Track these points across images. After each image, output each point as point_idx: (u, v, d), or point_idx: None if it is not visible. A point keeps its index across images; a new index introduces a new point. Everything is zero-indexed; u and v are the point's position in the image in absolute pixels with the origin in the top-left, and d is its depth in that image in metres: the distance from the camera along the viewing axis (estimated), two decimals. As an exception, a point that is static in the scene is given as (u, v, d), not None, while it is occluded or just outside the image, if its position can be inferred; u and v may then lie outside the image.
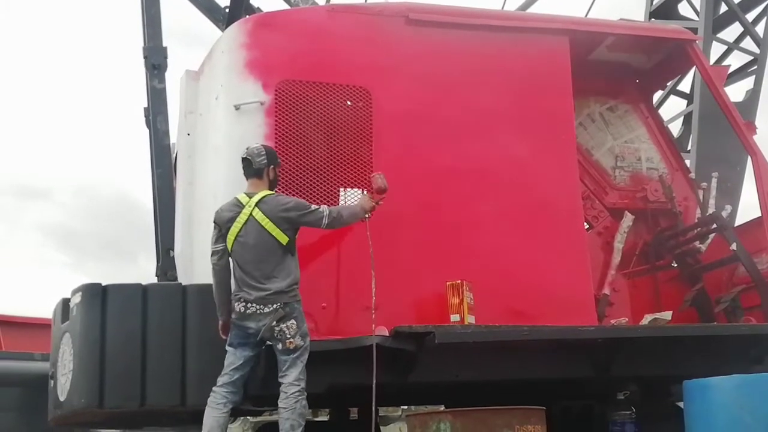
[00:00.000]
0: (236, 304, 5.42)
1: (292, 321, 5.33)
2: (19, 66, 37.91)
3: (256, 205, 5.45)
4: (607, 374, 6.50)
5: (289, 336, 5.30)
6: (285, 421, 5.24)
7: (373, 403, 5.40)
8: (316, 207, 5.55)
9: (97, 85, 40.95)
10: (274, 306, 5.31)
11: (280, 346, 5.33)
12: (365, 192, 5.96)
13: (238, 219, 5.45)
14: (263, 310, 5.32)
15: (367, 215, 5.77)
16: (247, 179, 5.63)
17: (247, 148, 5.64)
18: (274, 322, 5.30)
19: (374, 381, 5.34)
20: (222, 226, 5.52)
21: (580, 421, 7.17)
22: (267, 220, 5.40)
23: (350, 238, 5.95)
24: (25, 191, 39.99)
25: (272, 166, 5.64)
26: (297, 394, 5.25)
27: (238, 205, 5.50)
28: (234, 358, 5.45)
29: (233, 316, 5.45)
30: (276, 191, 5.68)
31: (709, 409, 5.56)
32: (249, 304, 5.35)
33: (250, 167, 5.59)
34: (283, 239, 5.41)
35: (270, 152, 5.66)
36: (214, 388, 5.42)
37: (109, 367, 5.73)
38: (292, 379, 5.27)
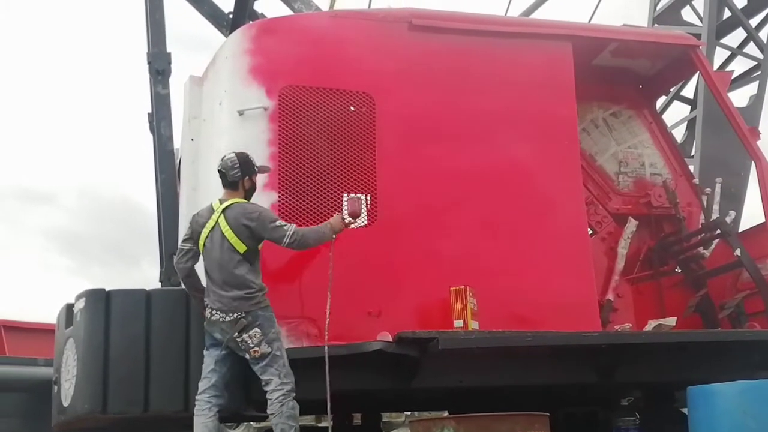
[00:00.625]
0: (205, 309, 5.48)
1: (255, 330, 5.32)
2: (23, 69, 37.97)
3: (223, 212, 5.48)
4: (611, 380, 6.49)
5: (252, 345, 5.30)
6: (276, 426, 5.26)
7: (329, 412, 5.35)
8: (282, 224, 5.48)
9: (101, 89, 41.01)
10: (235, 315, 5.32)
11: (247, 356, 5.35)
12: (338, 213, 5.83)
13: (206, 225, 5.51)
14: (225, 318, 5.34)
15: (334, 236, 5.66)
16: (223, 188, 5.65)
17: (222, 159, 5.63)
18: (236, 334, 5.31)
19: (328, 392, 5.28)
20: (194, 230, 5.58)
21: (584, 427, 7.14)
22: (228, 227, 5.42)
23: (353, 244, 5.95)
24: (29, 195, 40.00)
25: (247, 177, 5.64)
26: (282, 398, 5.25)
27: (211, 211, 5.55)
28: (209, 360, 5.48)
29: (204, 322, 5.49)
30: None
31: (713, 415, 5.55)
32: (213, 311, 5.40)
33: (225, 179, 5.61)
34: (241, 248, 5.40)
35: (245, 163, 5.60)
36: (196, 396, 5.43)
37: (112, 372, 5.74)
38: (274, 386, 5.28)
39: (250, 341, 5.29)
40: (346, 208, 5.95)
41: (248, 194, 5.66)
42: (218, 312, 5.37)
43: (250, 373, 5.52)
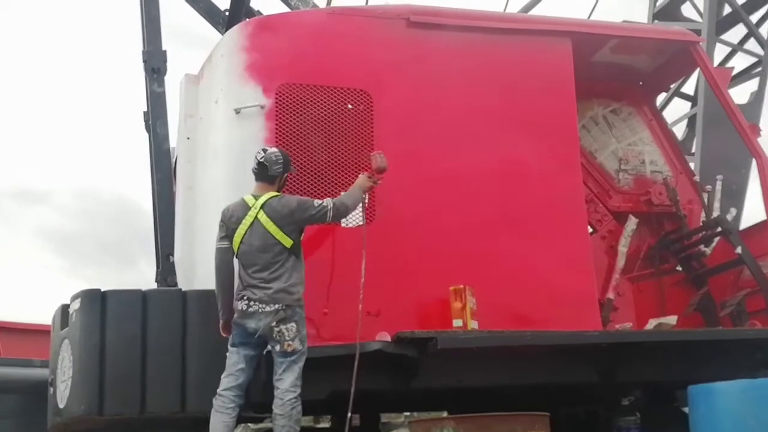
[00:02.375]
0: (239, 302, 5.41)
1: (292, 324, 5.30)
2: (18, 68, 37.86)
3: (261, 207, 5.44)
4: (611, 379, 6.46)
5: (288, 338, 5.28)
6: (281, 428, 5.22)
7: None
8: (320, 202, 5.52)
9: (96, 88, 40.83)
10: (276, 306, 5.28)
11: (278, 347, 5.30)
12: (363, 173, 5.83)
13: (243, 221, 5.45)
14: (265, 308, 5.30)
15: (365, 196, 5.76)
16: (256, 181, 5.60)
17: (265, 152, 5.58)
18: (274, 323, 5.28)
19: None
20: (228, 227, 5.52)
21: (584, 427, 7.11)
22: (271, 223, 5.39)
23: (351, 243, 5.90)
24: (25, 195, 39.87)
25: (286, 174, 5.66)
26: (293, 400, 5.23)
27: (245, 207, 5.49)
28: (237, 357, 5.41)
29: (235, 315, 5.43)
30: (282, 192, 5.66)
31: (714, 414, 5.53)
32: (252, 303, 5.34)
33: (265, 172, 5.56)
34: (287, 242, 5.39)
35: (287, 160, 5.64)
36: (220, 392, 5.36)
37: (108, 373, 5.69)
38: (288, 385, 5.24)
39: (286, 333, 5.28)
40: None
41: (279, 189, 5.65)
42: (257, 302, 5.32)
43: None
